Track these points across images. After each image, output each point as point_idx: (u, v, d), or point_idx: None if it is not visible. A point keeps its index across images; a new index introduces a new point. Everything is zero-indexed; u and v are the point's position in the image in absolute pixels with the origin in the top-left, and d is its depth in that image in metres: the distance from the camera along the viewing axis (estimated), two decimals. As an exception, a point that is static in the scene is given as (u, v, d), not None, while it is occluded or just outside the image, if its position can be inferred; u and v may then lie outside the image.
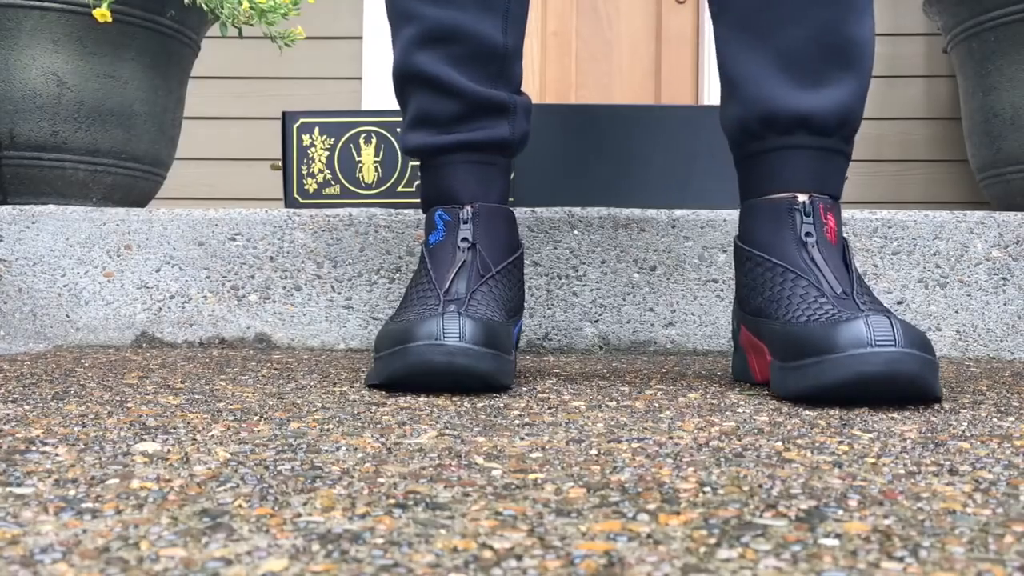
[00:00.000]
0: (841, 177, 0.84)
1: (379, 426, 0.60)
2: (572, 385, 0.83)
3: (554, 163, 1.31)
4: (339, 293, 1.21)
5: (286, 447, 0.52)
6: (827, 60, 0.81)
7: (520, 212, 1.21)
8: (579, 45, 2.54)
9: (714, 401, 0.73)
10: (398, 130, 1.34)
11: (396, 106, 2.38)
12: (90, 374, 0.87)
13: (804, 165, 0.82)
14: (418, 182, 1.34)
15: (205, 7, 1.37)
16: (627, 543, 0.35)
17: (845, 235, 0.83)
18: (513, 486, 0.44)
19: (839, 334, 0.68)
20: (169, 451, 0.51)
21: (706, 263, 1.19)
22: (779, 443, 0.55)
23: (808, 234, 0.80)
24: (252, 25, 1.39)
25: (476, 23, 0.88)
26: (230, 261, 1.22)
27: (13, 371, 0.88)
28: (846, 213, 1.19)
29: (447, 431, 0.58)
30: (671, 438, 0.57)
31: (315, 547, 0.34)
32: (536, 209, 1.21)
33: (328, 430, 0.58)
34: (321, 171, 1.35)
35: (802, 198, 0.81)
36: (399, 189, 1.34)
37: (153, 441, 0.53)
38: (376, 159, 1.34)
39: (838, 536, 0.36)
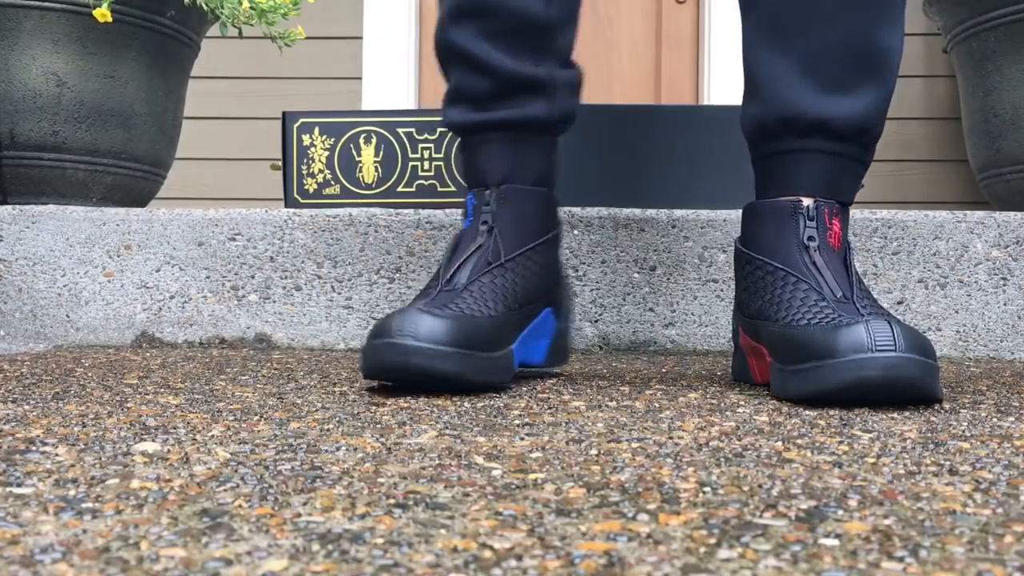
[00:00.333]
0: (855, 184, 0.84)
1: (379, 426, 0.60)
2: (572, 385, 0.83)
3: (554, 163, 1.31)
4: (339, 293, 1.21)
5: (286, 447, 0.52)
6: (852, 66, 0.80)
7: (520, 212, 1.21)
8: (579, 45, 2.54)
9: (714, 401, 0.73)
10: (398, 130, 1.34)
11: (396, 106, 2.39)
12: (90, 374, 0.87)
13: (817, 169, 0.81)
14: (418, 182, 1.34)
15: (205, 7, 1.37)
16: (627, 543, 0.35)
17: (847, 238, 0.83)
18: (513, 486, 0.44)
19: (839, 338, 0.68)
20: (169, 451, 0.51)
21: (706, 263, 1.19)
22: (779, 443, 0.55)
23: (811, 238, 0.79)
24: (252, 25, 1.39)
25: None
26: (230, 261, 1.22)
27: (13, 371, 0.88)
28: (846, 213, 1.19)
29: (447, 431, 0.58)
30: (671, 438, 0.57)
31: (315, 547, 0.34)
32: (536, 209, 1.21)
33: (328, 430, 0.58)
34: (321, 171, 1.35)
35: (807, 202, 0.81)
36: (399, 189, 1.34)
37: (153, 441, 0.53)
38: (376, 159, 1.34)
39: (838, 536, 0.36)
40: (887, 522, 0.38)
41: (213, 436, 0.55)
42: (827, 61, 0.80)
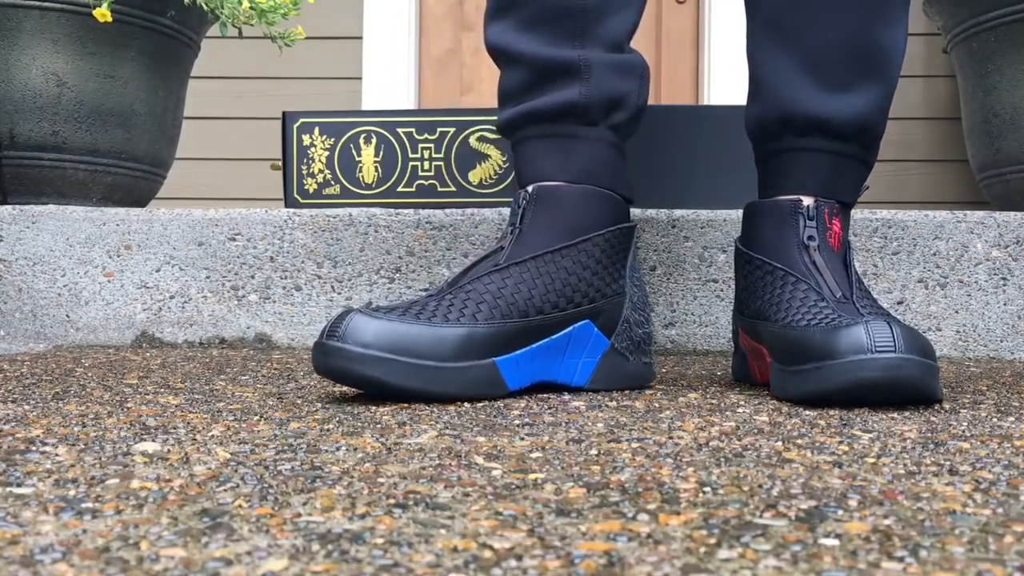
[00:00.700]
0: (857, 184, 0.83)
1: (379, 426, 0.60)
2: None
3: (554, 163, 1.31)
4: (339, 293, 1.21)
5: (286, 447, 0.52)
6: (853, 65, 0.80)
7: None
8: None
9: (714, 401, 0.73)
10: (398, 130, 1.34)
11: (396, 106, 2.39)
12: (90, 374, 0.87)
13: (817, 168, 0.81)
14: (418, 182, 1.34)
15: (205, 7, 1.37)
16: (627, 543, 0.35)
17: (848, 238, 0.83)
18: (513, 486, 0.44)
19: (839, 340, 0.68)
20: (169, 451, 0.51)
21: (706, 263, 1.19)
22: (779, 443, 0.55)
23: (811, 238, 0.79)
24: (252, 25, 1.39)
25: None
26: (230, 261, 1.22)
27: (13, 371, 0.88)
28: (846, 213, 1.19)
29: (447, 431, 0.58)
30: (671, 438, 0.57)
31: (315, 547, 0.34)
32: (536, 209, 1.21)
33: (328, 430, 0.58)
34: (321, 171, 1.35)
35: (807, 201, 0.81)
36: (399, 189, 1.34)
37: (153, 441, 0.53)
38: (376, 159, 1.34)
39: (838, 536, 0.36)
40: (887, 522, 0.38)
41: (213, 436, 0.55)
42: (828, 60, 0.80)
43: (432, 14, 2.52)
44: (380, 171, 1.34)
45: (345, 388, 0.78)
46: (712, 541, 0.35)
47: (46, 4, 1.37)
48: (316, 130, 1.35)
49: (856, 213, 1.19)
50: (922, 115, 2.30)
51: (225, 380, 0.84)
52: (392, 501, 0.41)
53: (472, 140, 1.33)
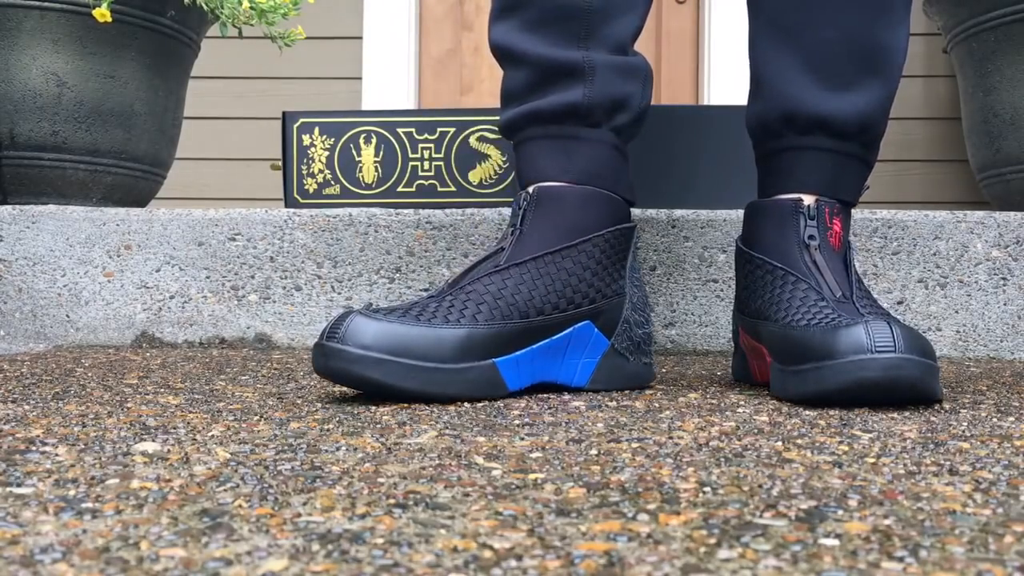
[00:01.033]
0: (858, 183, 0.83)
1: (379, 426, 0.60)
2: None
3: (554, 163, 1.31)
4: (339, 293, 1.21)
5: (286, 447, 0.52)
6: (855, 64, 0.80)
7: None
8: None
9: (714, 401, 0.73)
10: (398, 130, 1.34)
11: (396, 106, 2.39)
12: (90, 374, 0.87)
13: (818, 167, 0.81)
14: (418, 182, 1.34)
15: (205, 7, 1.37)
16: (627, 543, 0.35)
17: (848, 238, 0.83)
18: (513, 486, 0.44)
19: (839, 340, 0.68)
20: (169, 451, 0.51)
21: (706, 263, 1.19)
22: (779, 443, 0.55)
23: (811, 237, 0.79)
24: (252, 25, 1.39)
25: None
26: (230, 261, 1.22)
27: (13, 371, 0.88)
28: (846, 213, 1.19)
29: (447, 431, 0.58)
30: (671, 438, 0.57)
31: (315, 547, 0.34)
32: (536, 209, 1.21)
33: (328, 430, 0.58)
34: (321, 171, 1.35)
35: (808, 201, 0.81)
36: (399, 189, 1.34)
37: (153, 441, 0.53)
38: (376, 159, 1.34)
39: (838, 536, 0.36)
40: (887, 522, 0.38)
41: (213, 436, 0.55)
42: (830, 58, 0.80)
43: (432, 14, 2.52)
44: (380, 171, 1.34)
45: (345, 388, 0.78)
46: (712, 541, 0.35)
47: (46, 4, 1.37)
48: (316, 130, 1.35)
49: (856, 213, 1.19)
50: (922, 115, 2.30)
51: (225, 380, 0.84)
52: (392, 501, 0.41)
53: (472, 140, 1.33)
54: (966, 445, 0.55)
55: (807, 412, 0.68)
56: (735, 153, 1.26)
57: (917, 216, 1.19)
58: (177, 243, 1.22)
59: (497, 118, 1.31)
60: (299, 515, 0.38)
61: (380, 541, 0.35)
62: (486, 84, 2.50)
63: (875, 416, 0.65)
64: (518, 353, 0.74)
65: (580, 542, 0.35)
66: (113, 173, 1.46)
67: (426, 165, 1.33)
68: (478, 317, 0.72)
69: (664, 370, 0.98)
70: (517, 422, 0.62)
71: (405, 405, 0.69)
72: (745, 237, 0.85)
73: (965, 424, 0.62)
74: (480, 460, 0.49)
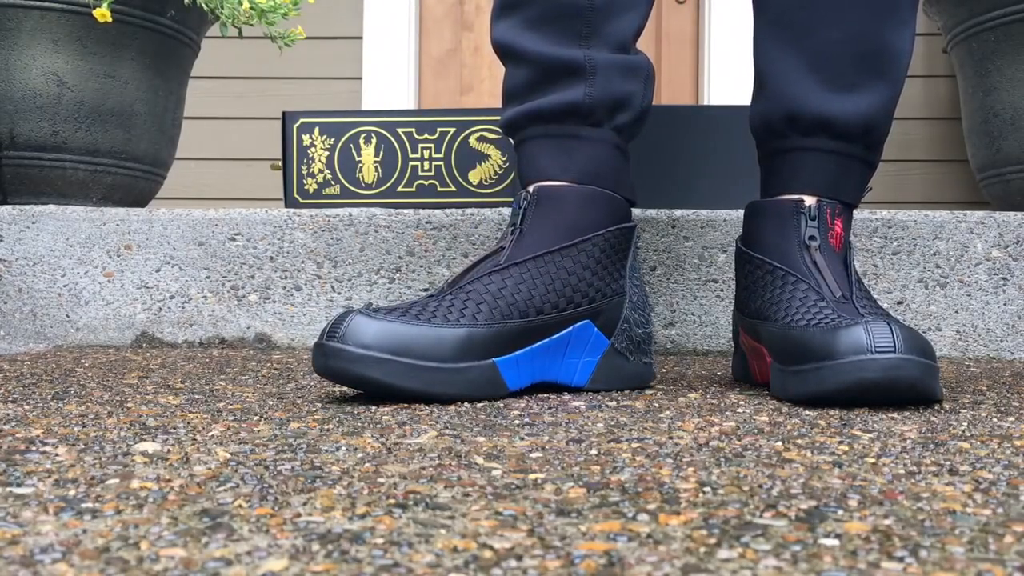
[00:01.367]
0: (860, 185, 0.83)
1: (379, 426, 0.60)
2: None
3: (554, 163, 1.31)
4: (339, 293, 1.21)
5: (286, 447, 0.52)
6: (859, 66, 0.80)
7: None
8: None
9: (714, 401, 0.73)
10: (398, 130, 1.34)
11: (396, 106, 2.39)
12: (90, 374, 0.87)
13: (820, 168, 0.81)
14: (418, 182, 1.34)
15: (205, 7, 1.37)
16: (627, 543, 0.35)
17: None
18: (513, 486, 0.44)
19: (839, 340, 0.68)
20: (169, 451, 0.51)
21: (706, 263, 1.19)
22: (779, 443, 0.55)
23: (812, 237, 0.79)
24: (252, 25, 1.39)
25: None
26: (230, 261, 1.22)
27: (13, 371, 0.88)
28: (846, 213, 1.19)
29: (447, 431, 0.58)
30: (671, 438, 0.57)
31: (315, 547, 0.34)
32: (536, 209, 1.21)
33: (328, 430, 0.58)
34: (321, 171, 1.35)
35: (809, 201, 0.81)
36: (399, 189, 1.34)
37: (153, 441, 0.53)
38: (376, 159, 1.34)
39: (838, 536, 0.36)
40: (887, 522, 0.38)
41: (213, 436, 0.55)
42: (834, 59, 0.80)
43: (432, 14, 2.52)
44: (380, 171, 1.34)
45: (345, 388, 0.78)
46: (712, 541, 0.35)
47: (46, 4, 1.37)
48: (316, 130, 1.35)
49: (856, 213, 1.19)
50: (922, 115, 2.30)
51: (225, 380, 0.84)
52: (392, 501, 0.41)
53: (472, 140, 1.33)
54: (966, 445, 0.55)
55: (807, 412, 0.68)
56: (735, 153, 1.26)
57: (917, 216, 1.19)
58: (177, 243, 1.22)
59: (497, 118, 1.31)
60: (299, 515, 0.38)
61: (380, 541, 0.35)
62: (486, 84, 2.50)
63: (875, 416, 0.65)
64: (518, 353, 0.74)
65: (580, 542, 0.35)
66: (113, 173, 1.46)
67: (426, 165, 1.33)
68: (478, 317, 0.72)
69: (664, 370, 0.98)
70: (517, 422, 0.62)
71: (405, 405, 0.69)
72: (745, 237, 0.85)
73: (965, 424, 0.62)
74: (480, 460, 0.49)
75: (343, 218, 1.21)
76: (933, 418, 0.65)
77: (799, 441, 0.56)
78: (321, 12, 2.21)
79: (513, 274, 0.75)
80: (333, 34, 2.37)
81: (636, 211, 1.19)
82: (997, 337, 1.18)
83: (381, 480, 0.45)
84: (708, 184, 1.29)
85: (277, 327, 1.21)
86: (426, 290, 1.20)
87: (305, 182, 1.35)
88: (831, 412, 0.67)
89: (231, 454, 0.50)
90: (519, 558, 0.33)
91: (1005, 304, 1.18)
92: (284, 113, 1.35)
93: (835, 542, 0.35)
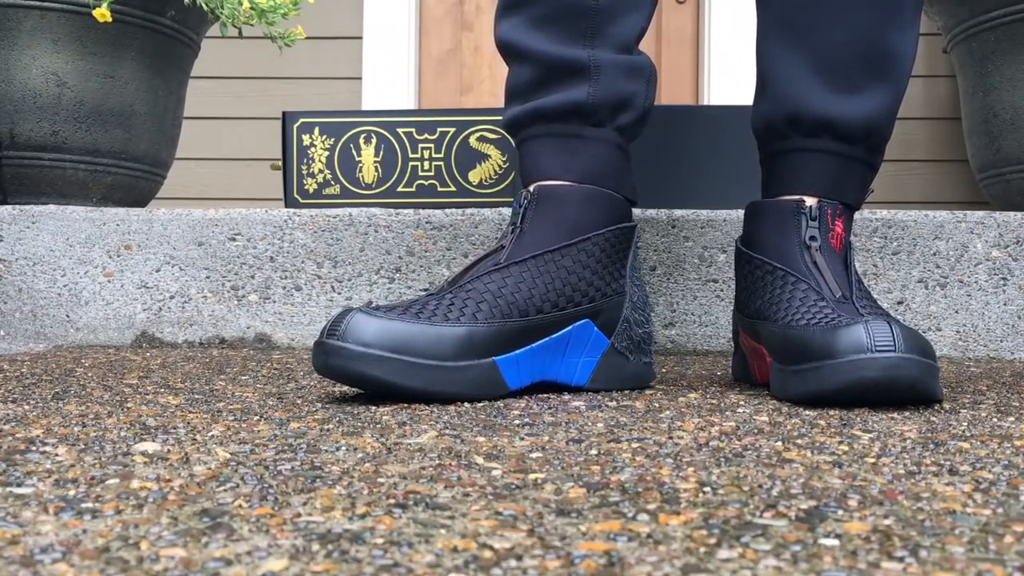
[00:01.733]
0: (861, 186, 0.83)
1: (379, 426, 0.60)
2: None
3: (554, 163, 1.31)
4: (339, 293, 1.21)
5: (286, 447, 0.52)
6: (863, 68, 0.80)
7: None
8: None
9: (714, 401, 0.73)
10: (398, 130, 1.34)
11: (396, 106, 2.39)
12: (90, 374, 0.87)
13: (822, 169, 0.81)
14: (418, 182, 1.34)
15: (205, 7, 1.37)
16: (627, 543, 0.35)
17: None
18: (513, 486, 0.44)
19: (839, 339, 0.68)
20: (169, 451, 0.51)
21: (706, 263, 1.19)
22: (779, 443, 0.55)
23: (812, 238, 0.79)
24: (252, 25, 1.39)
25: None
26: (230, 261, 1.22)
27: (13, 371, 0.88)
28: (846, 213, 1.19)
29: (447, 431, 0.58)
30: (671, 438, 0.57)
31: (315, 547, 0.34)
32: (536, 209, 1.21)
33: (328, 430, 0.58)
34: (321, 171, 1.35)
35: (810, 202, 0.81)
36: (399, 189, 1.34)
37: (153, 441, 0.53)
38: (376, 159, 1.34)
39: (838, 536, 0.36)
40: (887, 522, 0.38)
41: (213, 436, 0.55)
42: (837, 61, 0.80)
43: (432, 14, 2.52)
44: (380, 171, 1.34)
45: (345, 388, 0.78)
46: (712, 541, 0.35)
47: (46, 4, 1.37)
48: (316, 130, 1.35)
49: (856, 213, 1.19)
50: (922, 115, 2.30)
51: (225, 380, 0.84)
52: (392, 501, 0.41)
53: (472, 140, 1.33)
54: (966, 445, 0.55)
55: (807, 412, 0.68)
56: (735, 153, 1.26)
57: (917, 216, 1.19)
58: (177, 243, 1.22)
59: (497, 118, 1.31)
60: (299, 515, 0.38)
61: (380, 541, 0.35)
62: (486, 84, 2.50)
63: (875, 416, 0.65)
64: (518, 352, 0.74)
65: (580, 542, 0.35)
66: (113, 173, 1.46)
67: (426, 165, 1.33)
68: (478, 315, 0.72)
69: (664, 370, 0.98)
70: (517, 422, 0.62)
71: (405, 405, 0.69)
72: (745, 237, 0.85)
73: (965, 424, 0.62)
74: (480, 460, 0.49)
75: (343, 218, 1.21)
76: (933, 418, 0.65)
77: (799, 441, 0.56)
78: (321, 12, 2.21)
79: (513, 273, 0.75)
80: (333, 34, 2.37)
81: (636, 211, 1.19)
82: (997, 337, 1.18)
83: (381, 480, 0.45)
84: (708, 184, 1.29)
85: (277, 327, 1.21)
86: (426, 290, 1.20)
87: (305, 182, 1.35)
88: (831, 412, 0.67)
89: (231, 454, 0.50)
90: (519, 558, 0.33)
91: (1005, 304, 1.18)
92: (284, 113, 1.35)
93: (835, 542, 0.35)
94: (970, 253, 1.18)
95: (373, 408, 0.67)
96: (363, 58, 2.41)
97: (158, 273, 1.22)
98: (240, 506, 0.39)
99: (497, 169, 1.32)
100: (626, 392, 0.79)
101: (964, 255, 1.18)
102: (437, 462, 0.49)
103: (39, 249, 1.23)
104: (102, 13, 1.27)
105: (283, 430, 0.58)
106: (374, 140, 1.34)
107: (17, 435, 0.55)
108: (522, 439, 0.56)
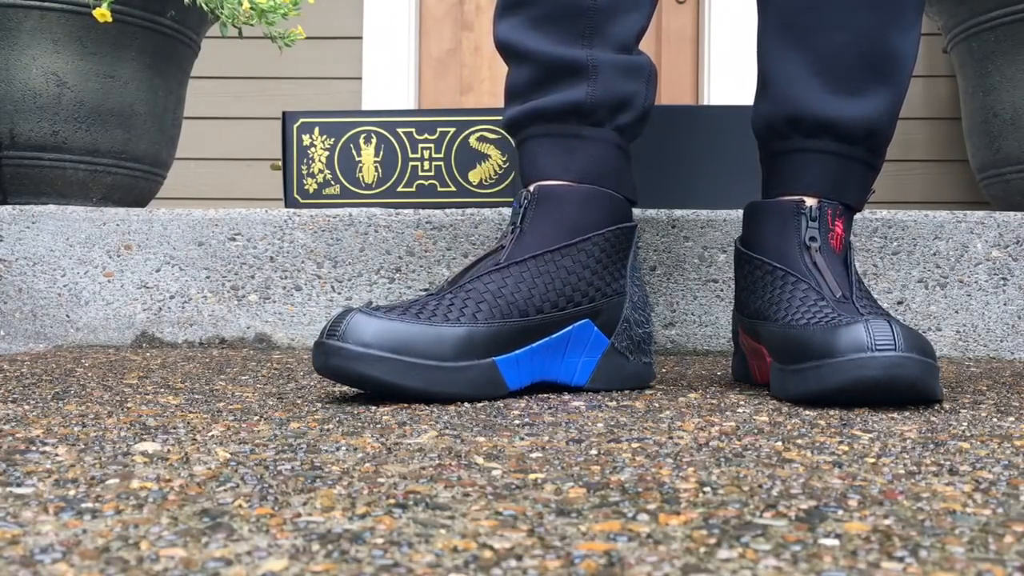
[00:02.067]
0: (862, 187, 0.83)
1: (379, 426, 0.60)
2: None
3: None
4: (339, 293, 1.21)
5: (286, 447, 0.52)
6: (864, 69, 0.80)
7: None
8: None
9: (714, 401, 0.73)
10: (398, 130, 1.34)
11: (396, 106, 2.39)
12: (90, 374, 0.87)
13: (822, 170, 0.81)
14: (418, 182, 1.34)
15: (205, 7, 1.37)
16: (627, 543, 0.35)
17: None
18: (513, 486, 0.44)
19: (839, 338, 0.68)
20: (169, 451, 0.51)
21: (706, 263, 1.19)
22: (779, 443, 0.55)
23: (812, 238, 0.79)
24: (252, 25, 1.39)
25: None
26: (230, 261, 1.22)
27: (13, 371, 0.88)
28: (846, 213, 1.19)
29: (447, 431, 0.58)
30: (671, 438, 0.57)
31: (315, 547, 0.34)
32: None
33: (328, 430, 0.58)
34: (321, 171, 1.35)
35: (810, 202, 0.81)
36: (399, 189, 1.34)
37: (153, 441, 0.53)
38: (376, 159, 1.34)
39: (838, 536, 0.36)
40: (887, 522, 0.38)
41: (213, 436, 0.55)
42: (838, 62, 0.80)
43: (432, 14, 2.52)
44: (380, 171, 1.34)
45: (345, 388, 0.78)
46: (712, 541, 0.35)
47: (46, 4, 1.37)
48: (316, 130, 1.35)
49: (856, 214, 1.19)
50: (922, 115, 2.30)
51: (225, 380, 0.84)
52: (392, 501, 0.41)
53: (472, 140, 1.33)
54: (966, 445, 0.55)
55: (807, 412, 0.68)
56: (735, 153, 1.26)
57: (917, 216, 1.19)
58: (177, 243, 1.22)
59: (497, 118, 1.31)
60: (299, 515, 0.38)
61: (380, 541, 0.35)
62: (486, 84, 2.50)
63: (875, 416, 0.65)
64: (518, 352, 0.74)
65: (580, 542, 0.35)
66: (113, 173, 1.46)
67: (426, 165, 1.33)
68: (478, 316, 0.72)
69: (664, 370, 0.98)
70: (517, 422, 0.62)
71: (405, 405, 0.69)
72: (744, 237, 0.85)
73: (965, 424, 0.62)
74: (480, 460, 0.49)
75: (343, 218, 1.21)
76: (933, 418, 0.65)
77: (799, 441, 0.56)
78: (321, 12, 2.21)
79: (513, 273, 0.75)
80: (333, 34, 2.37)
81: (636, 211, 1.19)
82: (997, 337, 1.18)
83: (381, 480, 0.45)
84: (708, 184, 1.29)
85: (277, 327, 1.21)
86: (426, 290, 1.20)
87: (305, 182, 1.35)
88: (831, 412, 0.67)
89: (231, 454, 0.50)
90: (519, 558, 0.33)
91: (1005, 304, 1.18)
92: (284, 113, 1.35)
93: (835, 542, 0.35)
94: (970, 253, 1.18)
95: (373, 408, 0.67)
96: (363, 58, 2.41)
97: (158, 273, 1.22)
98: (240, 506, 0.39)
99: (497, 169, 1.32)
100: (626, 392, 0.79)
101: (964, 255, 1.18)
102: (437, 462, 0.49)
103: (39, 249, 1.23)
104: (102, 13, 1.27)
105: (283, 430, 0.58)
106: (374, 140, 1.34)
107: (17, 435, 0.55)
108: (522, 439, 0.56)
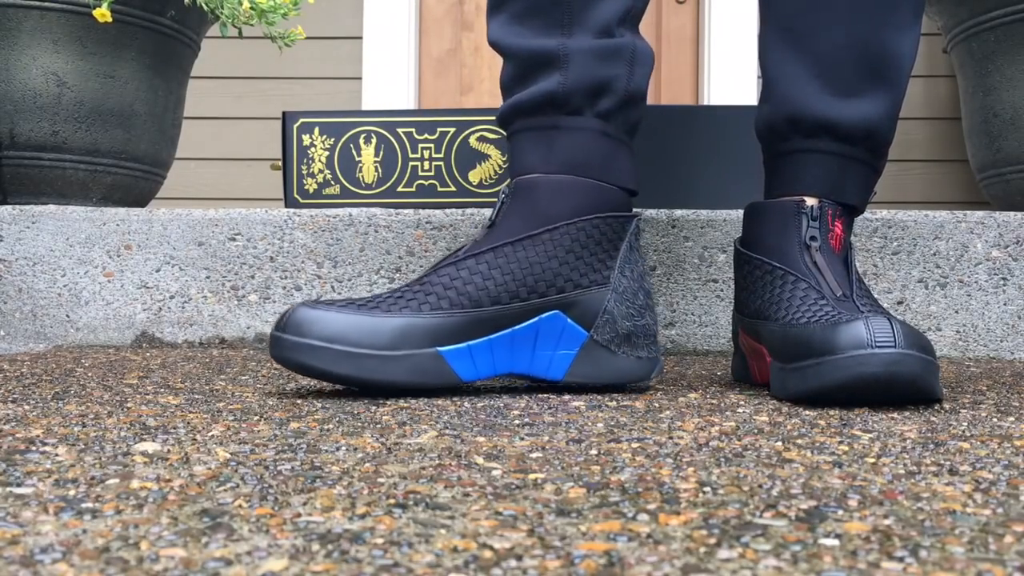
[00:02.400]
0: (863, 188, 0.83)
1: (379, 426, 0.60)
2: (572, 385, 0.83)
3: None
4: (339, 293, 1.21)
5: (286, 447, 0.52)
6: (863, 70, 0.80)
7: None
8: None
9: (714, 401, 0.73)
10: (398, 130, 1.34)
11: (396, 106, 2.39)
12: (90, 374, 0.87)
13: (822, 170, 0.81)
14: (418, 182, 1.34)
15: (205, 7, 1.37)
16: (627, 543, 0.35)
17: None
18: (513, 486, 0.44)
19: (839, 335, 0.68)
20: (169, 451, 0.51)
21: (706, 263, 1.19)
22: (779, 443, 0.55)
23: (812, 238, 0.79)
24: (252, 25, 1.39)
25: None
26: (230, 261, 1.22)
27: (13, 371, 0.88)
28: (846, 213, 1.19)
29: (447, 431, 0.58)
30: (671, 438, 0.57)
31: (315, 547, 0.34)
32: (536, 209, 1.21)
33: (328, 430, 0.58)
34: (321, 171, 1.35)
35: (810, 202, 0.81)
36: (399, 189, 1.34)
37: (153, 441, 0.53)
38: (376, 159, 1.34)
39: (838, 536, 0.36)
40: (887, 522, 0.38)
41: (213, 436, 0.55)
42: (837, 63, 0.80)
43: (432, 14, 2.52)
44: (380, 171, 1.34)
45: (346, 388, 0.78)
46: (712, 541, 0.35)
47: (46, 4, 1.37)
48: (316, 130, 1.35)
49: (856, 213, 1.19)
50: (922, 115, 2.30)
51: (225, 380, 0.84)
52: (392, 501, 0.41)
53: (472, 140, 1.33)
54: (966, 445, 0.55)
55: (807, 412, 0.68)
56: (736, 153, 1.26)
57: (917, 216, 1.19)
58: (177, 243, 1.22)
59: (497, 118, 1.31)
60: (299, 515, 0.38)
61: (380, 541, 0.35)
62: (486, 84, 2.50)
63: (875, 416, 0.65)
64: (472, 343, 0.73)
65: (580, 542, 0.35)
66: (113, 173, 1.46)
67: (426, 165, 1.33)
68: (423, 307, 0.73)
69: (664, 370, 0.98)
70: (517, 422, 0.62)
71: (405, 405, 0.69)
72: (744, 237, 0.85)
73: (965, 424, 0.62)
74: (480, 460, 0.49)
75: (343, 218, 1.21)
76: (933, 418, 0.65)
77: (799, 441, 0.56)
78: (321, 12, 2.21)
79: (468, 265, 0.74)
80: (333, 34, 2.37)
81: (636, 211, 1.19)
82: (997, 337, 1.18)
83: (381, 480, 0.45)
84: (708, 184, 1.29)
85: (277, 327, 1.21)
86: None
87: (305, 182, 1.35)
88: (831, 412, 0.67)
89: (231, 454, 0.50)
90: (519, 558, 0.33)
91: (1005, 304, 1.18)
92: (284, 113, 1.35)
93: (835, 542, 0.35)
94: (970, 253, 1.18)
95: (373, 408, 0.67)
96: (363, 58, 2.41)
97: (158, 273, 1.22)
98: (240, 506, 0.39)
99: (497, 169, 1.32)
100: (626, 392, 0.79)
101: (964, 255, 1.18)
102: (437, 462, 0.49)
103: (39, 249, 1.23)
104: (102, 13, 1.27)
105: (283, 430, 0.58)
106: (374, 140, 1.34)
107: (17, 435, 0.55)
108: (522, 439, 0.56)
